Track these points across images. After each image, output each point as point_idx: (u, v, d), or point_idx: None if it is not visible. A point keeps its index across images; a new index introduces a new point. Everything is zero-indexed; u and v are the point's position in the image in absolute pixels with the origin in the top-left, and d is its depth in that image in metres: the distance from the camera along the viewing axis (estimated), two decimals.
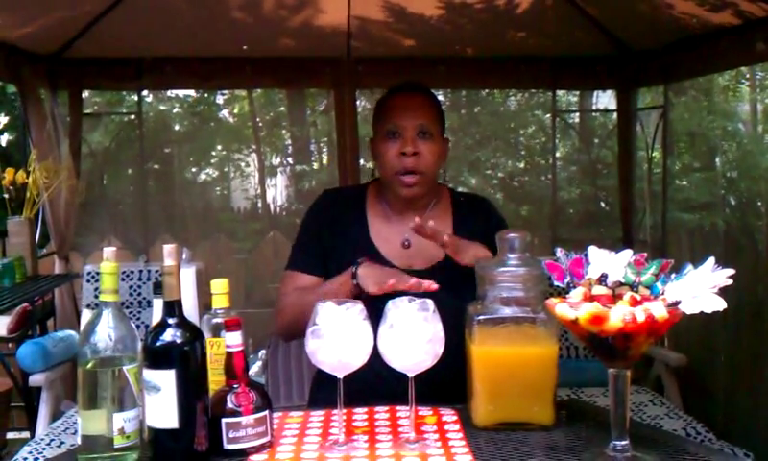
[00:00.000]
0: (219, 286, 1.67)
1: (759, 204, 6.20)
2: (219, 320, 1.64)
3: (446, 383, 1.74)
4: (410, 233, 2.10)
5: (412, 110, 2.08)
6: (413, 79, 2.25)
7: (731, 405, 3.76)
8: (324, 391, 2.02)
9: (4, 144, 6.73)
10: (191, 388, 1.46)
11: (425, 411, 1.72)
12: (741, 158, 7.51)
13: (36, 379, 3.29)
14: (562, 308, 1.40)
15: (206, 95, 7.84)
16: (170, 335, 1.47)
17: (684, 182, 7.14)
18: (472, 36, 3.88)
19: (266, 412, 1.53)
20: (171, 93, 7.77)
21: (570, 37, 3.81)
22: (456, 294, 1.80)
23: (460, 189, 2.37)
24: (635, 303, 1.39)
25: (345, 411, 1.59)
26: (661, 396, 3.44)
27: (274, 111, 8.33)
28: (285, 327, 2.20)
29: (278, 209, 7.76)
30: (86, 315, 3.69)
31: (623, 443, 1.45)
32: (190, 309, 1.59)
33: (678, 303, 1.35)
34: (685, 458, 1.49)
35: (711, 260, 1.39)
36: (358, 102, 4.19)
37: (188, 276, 1.66)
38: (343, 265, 2.01)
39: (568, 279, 1.48)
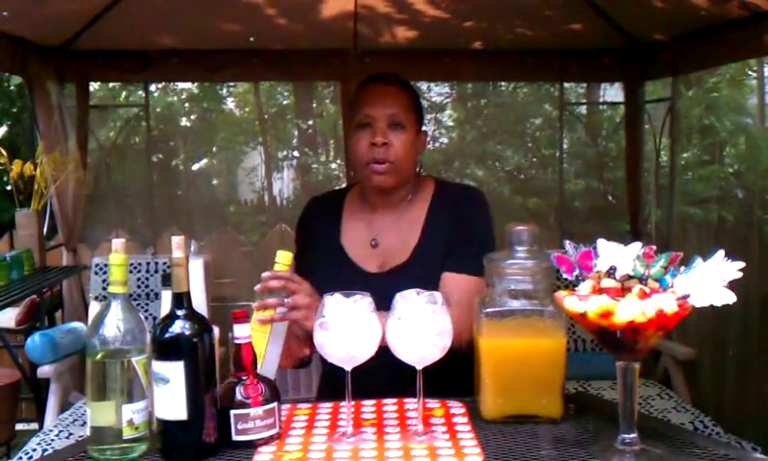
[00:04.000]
0: (283, 257, 1.80)
1: (767, 197, 6.18)
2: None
3: (453, 375, 1.74)
4: (378, 233, 2.09)
5: (383, 100, 2.04)
6: (415, 71, 2.22)
7: (738, 399, 3.76)
8: (331, 384, 2.02)
9: (0, 136, 6.75)
10: (200, 380, 1.46)
11: (433, 404, 1.73)
12: (748, 152, 7.49)
13: (44, 371, 3.31)
14: (570, 301, 1.40)
15: (213, 87, 7.85)
16: (179, 327, 1.47)
17: (692, 176, 7.13)
18: (479, 28, 3.87)
19: (274, 404, 1.54)
20: (177, 86, 7.79)
21: (578, 29, 3.80)
22: (430, 289, 1.78)
23: (467, 182, 2.34)
24: (644, 295, 1.38)
25: (353, 403, 1.59)
26: (669, 389, 3.44)
27: (280, 104, 8.34)
28: None
29: (285, 202, 7.77)
30: (94, 307, 3.70)
31: (632, 436, 1.45)
32: (199, 301, 1.58)
33: (687, 296, 1.35)
34: (694, 452, 1.49)
35: (721, 253, 1.38)
36: None
37: (196, 267, 1.67)
38: (314, 272, 1.97)
39: (577, 271, 1.47)
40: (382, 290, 1.62)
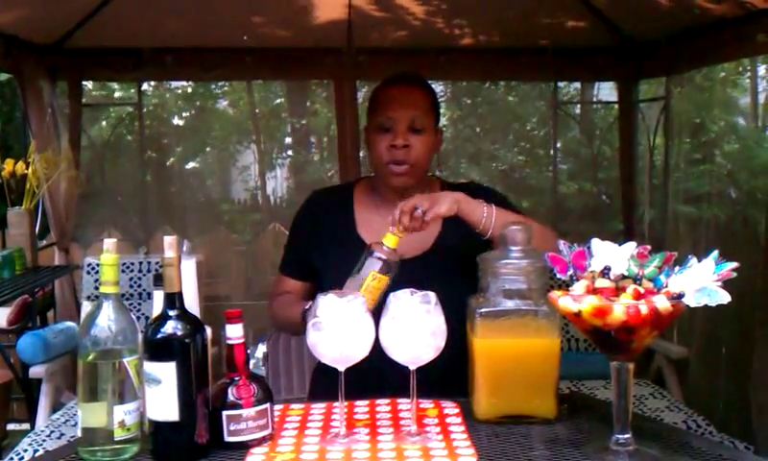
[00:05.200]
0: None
1: (760, 196, 6.19)
2: (383, 257, 1.81)
3: (447, 375, 1.74)
4: None
5: (404, 103, 2.08)
6: (409, 70, 2.26)
7: (731, 398, 3.76)
8: (324, 384, 2.01)
9: None
10: (192, 380, 1.45)
11: (427, 404, 1.72)
12: (742, 151, 7.49)
13: (36, 371, 3.29)
14: (565, 301, 1.39)
15: (206, 86, 7.83)
16: (171, 327, 1.46)
17: (685, 175, 7.13)
18: (474, 27, 3.87)
19: (267, 405, 1.53)
20: (171, 84, 7.76)
21: (572, 28, 3.79)
22: (448, 281, 1.79)
23: (461, 181, 2.35)
24: (638, 295, 1.38)
25: (346, 404, 1.58)
26: (662, 388, 3.44)
27: (273, 102, 8.31)
28: (275, 327, 2.44)
29: (278, 201, 7.74)
30: (86, 307, 3.69)
31: (626, 436, 1.44)
32: (191, 301, 1.57)
33: (681, 295, 1.35)
34: (688, 451, 1.49)
35: (715, 253, 1.38)
36: (359, 92, 4.17)
37: (189, 267, 1.65)
38: (333, 264, 2.01)
39: (571, 271, 1.47)
40: (405, 277, 1.69)
